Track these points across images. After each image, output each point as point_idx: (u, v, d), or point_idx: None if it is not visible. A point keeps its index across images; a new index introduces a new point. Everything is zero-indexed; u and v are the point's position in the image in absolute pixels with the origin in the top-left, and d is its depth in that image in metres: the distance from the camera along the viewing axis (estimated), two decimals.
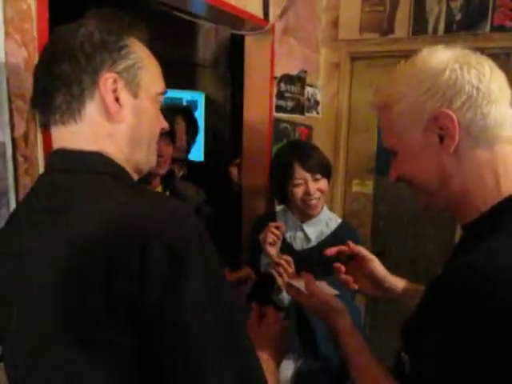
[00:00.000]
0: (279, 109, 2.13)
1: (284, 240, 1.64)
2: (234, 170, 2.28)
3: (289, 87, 2.18)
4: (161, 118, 0.81)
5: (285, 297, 1.53)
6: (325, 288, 1.11)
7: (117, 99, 0.71)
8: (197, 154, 2.75)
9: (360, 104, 2.52)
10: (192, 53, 2.32)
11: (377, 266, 1.12)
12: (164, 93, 0.80)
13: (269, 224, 1.57)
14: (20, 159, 1.00)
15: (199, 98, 2.91)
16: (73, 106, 0.70)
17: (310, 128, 2.43)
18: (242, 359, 0.64)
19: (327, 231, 1.68)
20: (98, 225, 0.62)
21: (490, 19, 2.13)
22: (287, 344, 1.03)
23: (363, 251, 1.13)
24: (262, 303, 1.57)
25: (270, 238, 1.53)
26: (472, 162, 0.75)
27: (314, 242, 1.67)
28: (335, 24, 2.47)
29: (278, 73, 2.08)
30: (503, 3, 2.11)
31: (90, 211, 0.64)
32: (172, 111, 1.90)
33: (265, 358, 0.88)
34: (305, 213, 1.67)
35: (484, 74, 0.75)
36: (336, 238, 1.66)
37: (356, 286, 1.13)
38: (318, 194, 1.61)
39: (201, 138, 2.79)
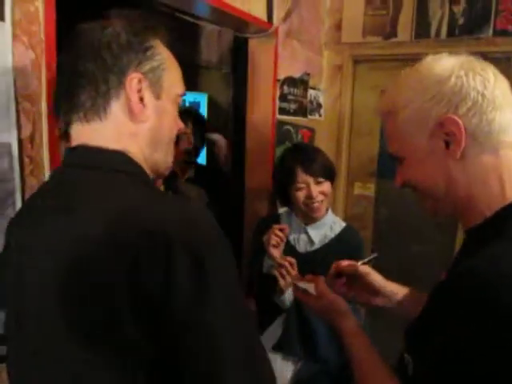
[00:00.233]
0: (282, 111, 2.14)
1: (287, 242, 1.64)
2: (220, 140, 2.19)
3: (292, 90, 2.19)
4: (178, 119, 0.82)
5: (286, 298, 1.53)
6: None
7: (141, 99, 0.72)
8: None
9: (362, 107, 2.53)
10: (195, 54, 2.32)
11: (374, 277, 1.12)
12: (183, 95, 0.80)
13: (273, 226, 1.58)
14: (26, 160, 1.00)
15: (202, 99, 2.92)
16: (98, 103, 0.71)
17: (312, 130, 2.43)
18: (258, 368, 0.64)
19: (331, 235, 1.68)
20: (116, 225, 0.61)
21: (492, 24, 2.14)
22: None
23: (360, 269, 1.13)
24: (263, 304, 1.59)
25: (274, 239, 1.53)
26: (477, 167, 0.76)
27: (317, 245, 1.68)
28: (338, 27, 2.48)
29: (281, 75, 2.09)
30: (506, 8, 2.11)
31: (108, 210, 0.63)
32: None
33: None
34: (309, 216, 1.67)
35: (489, 80, 0.76)
36: (340, 241, 1.67)
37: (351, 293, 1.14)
38: (320, 197, 1.61)
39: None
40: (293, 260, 1.50)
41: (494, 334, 0.63)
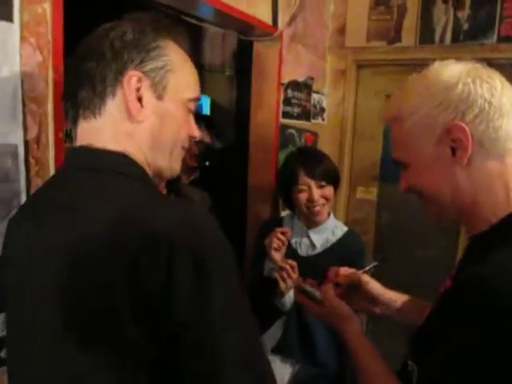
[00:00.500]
0: (286, 115, 2.14)
1: (289, 245, 1.64)
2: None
3: (295, 94, 2.19)
4: (192, 124, 0.80)
5: (287, 301, 1.54)
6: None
7: (140, 99, 0.71)
8: None
9: (365, 111, 2.53)
10: (198, 57, 2.33)
11: (373, 286, 1.12)
12: (197, 99, 0.79)
13: (275, 229, 1.58)
14: (32, 161, 1.00)
15: (205, 102, 2.92)
16: (94, 101, 0.70)
17: (315, 134, 2.43)
18: (258, 368, 0.64)
19: (333, 239, 1.69)
20: (117, 226, 0.61)
21: (496, 30, 2.14)
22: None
23: (361, 278, 1.13)
24: (263, 307, 1.59)
25: (276, 243, 1.54)
26: (483, 174, 0.76)
27: (319, 249, 1.68)
28: (342, 31, 2.48)
29: (286, 79, 2.09)
30: (510, 14, 2.12)
31: (109, 212, 0.63)
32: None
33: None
34: (311, 219, 1.68)
35: (496, 88, 0.76)
36: (342, 246, 1.67)
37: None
38: (322, 201, 1.62)
39: None
40: (294, 263, 1.51)
41: (499, 341, 0.63)
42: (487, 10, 2.15)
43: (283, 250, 1.56)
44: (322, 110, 2.50)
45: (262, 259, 1.61)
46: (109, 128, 0.71)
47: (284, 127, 2.14)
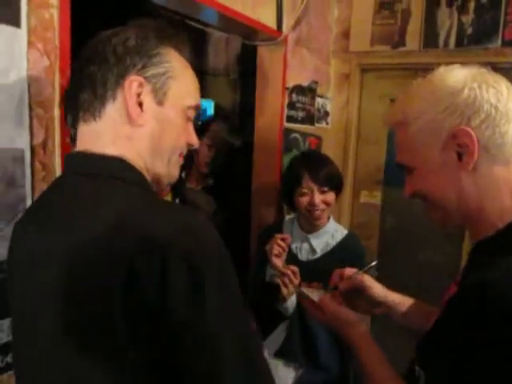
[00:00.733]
0: (290, 119, 2.14)
1: (290, 250, 1.66)
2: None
3: (300, 98, 2.19)
4: (191, 132, 0.80)
5: (289, 305, 1.55)
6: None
7: (140, 104, 0.71)
8: None
9: (369, 115, 2.53)
10: (202, 61, 2.33)
11: (376, 290, 1.12)
12: (197, 107, 0.79)
13: (275, 236, 1.59)
14: (38, 166, 1.01)
15: (209, 105, 2.92)
16: (94, 104, 0.71)
17: (319, 138, 2.44)
18: (257, 368, 0.64)
19: (333, 243, 1.70)
20: (114, 231, 0.61)
21: (501, 34, 2.14)
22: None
23: (365, 283, 1.12)
24: (266, 312, 1.59)
25: (276, 249, 1.55)
26: (489, 179, 0.76)
27: (319, 254, 1.69)
28: (346, 35, 2.48)
29: (290, 83, 2.10)
30: None
31: (106, 217, 0.63)
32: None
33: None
34: (312, 223, 1.69)
35: (502, 93, 0.76)
36: (341, 249, 1.68)
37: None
38: (322, 206, 1.63)
39: None
40: (296, 269, 1.52)
41: (506, 346, 0.63)
42: (491, 15, 2.15)
43: (284, 256, 1.57)
44: (326, 114, 2.51)
45: (263, 265, 1.62)
46: (108, 131, 0.72)
47: (288, 131, 2.15)
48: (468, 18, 2.20)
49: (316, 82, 2.33)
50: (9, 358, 0.97)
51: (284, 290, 1.51)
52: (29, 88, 0.97)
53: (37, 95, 0.98)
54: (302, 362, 1.50)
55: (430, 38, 2.28)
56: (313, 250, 1.69)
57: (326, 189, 1.63)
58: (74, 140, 0.76)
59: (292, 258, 1.65)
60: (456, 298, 0.74)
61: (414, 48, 2.31)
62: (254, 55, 2.06)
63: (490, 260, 0.71)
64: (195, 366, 0.60)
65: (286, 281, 1.50)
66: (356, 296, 1.12)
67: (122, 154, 0.71)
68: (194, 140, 0.81)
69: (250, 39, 1.98)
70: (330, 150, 2.45)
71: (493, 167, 0.76)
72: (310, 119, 2.33)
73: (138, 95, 0.71)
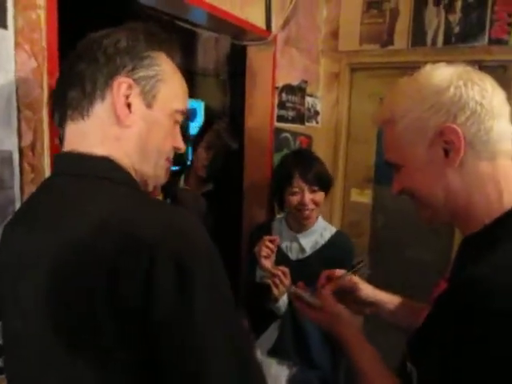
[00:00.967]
0: (280, 118, 2.15)
1: (280, 250, 1.67)
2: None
3: (290, 97, 2.20)
4: (177, 137, 0.80)
5: (281, 305, 1.56)
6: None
7: (128, 105, 0.71)
8: None
9: (359, 114, 2.55)
10: (191, 61, 2.33)
11: (366, 291, 1.13)
12: (184, 111, 0.79)
13: (263, 237, 1.60)
14: (27, 168, 1.00)
15: (199, 106, 2.92)
16: (82, 103, 0.71)
17: (309, 138, 2.44)
18: (247, 369, 0.64)
19: (322, 241, 1.72)
20: (101, 231, 0.62)
21: (487, 32, 2.16)
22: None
23: (356, 285, 1.13)
24: (257, 312, 1.60)
25: (264, 251, 1.56)
26: (475, 176, 0.77)
27: (308, 252, 1.71)
28: (335, 35, 2.50)
29: (280, 83, 2.10)
30: (500, 17, 2.14)
31: (93, 216, 0.63)
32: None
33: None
34: (301, 223, 1.70)
35: (487, 90, 0.77)
36: (331, 247, 1.70)
37: None
38: (312, 206, 1.65)
39: None
40: (286, 269, 1.53)
41: (496, 343, 0.63)
42: (478, 13, 2.17)
43: (272, 257, 1.58)
44: (316, 113, 2.52)
45: (254, 266, 1.63)
46: (96, 131, 0.72)
47: (279, 131, 2.15)
48: (455, 17, 2.23)
49: (306, 82, 2.34)
50: (0, 362, 0.97)
51: (275, 291, 1.52)
52: (17, 90, 0.96)
53: (25, 97, 0.98)
54: (295, 361, 1.50)
55: (418, 36, 2.30)
56: (302, 249, 1.71)
57: (315, 188, 1.64)
58: (62, 141, 0.76)
59: (282, 258, 1.66)
60: (445, 294, 0.75)
61: (403, 47, 2.33)
62: (244, 55, 2.06)
63: (478, 255, 0.72)
64: (183, 365, 0.60)
65: (277, 281, 1.52)
66: (345, 296, 1.12)
67: (109, 154, 0.71)
68: (181, 144, 0.82)
69: (239, 39, 1.98)
70: (320, 149, 2.46)
71: (478, 163, 0.77)
72: (300, 119, 2.34)
73: (127, 97, 0.71)
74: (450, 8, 2.23)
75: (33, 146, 1.01)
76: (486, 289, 0.66)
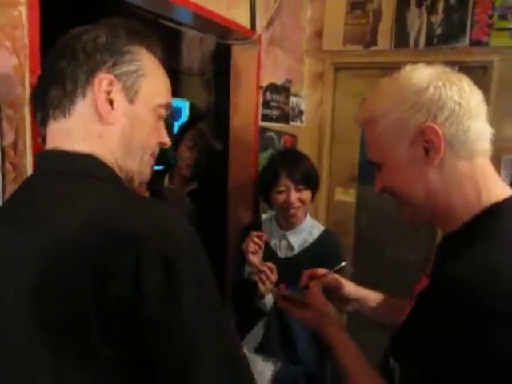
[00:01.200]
0: (265, 118, 2.15)
1: (269, 248, 1.68)
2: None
3: (274, 96, 2.21)
4: (162, 132, 0.80)
5: (267, 302, 1.57)
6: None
7: (110, 101, 0.71)
8: None
9: (343, 114, 2.57)
10: (176, 60, 2.32)
11: (349, 289, 1.14)
12: (167, 106, 0.79)
13: (251, 233, 1.60)
14: (8, 167, 0.99)
15: (183, 105, 2.91)
16: (63, 101, 0.70)
17: (294, 137, 2.46)
18: (236, 366, 0.65)
19: (310, 239, 1.72)
20: (86, 229, 0.61)
21: (468, 34, 2.20)
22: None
23: (339, 284, 1.15)
24: (244, 309, 1.61)
25: (252, 247, 1.57)
26: (454, 175, 0.79)
27: (297, 250, 1.71)
28: (319, 35, 2.51)
29: (264, 82, 2.11)
30: (481, 19, 2.18)
31: (79, 214, 0.63)
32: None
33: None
34: (288, 221, 1.71)
35: (464, 90, 0.79)
36: (319, 245, 1.71)
37: None
38: (298, 204, 1.65)
39: None
40: (272, 266, 1.54)
41: (476, 340, 0.64)
42: (459, 15, 2.21)
43: (260, 253, 1.59)
44: (301, 112, 2.53)
45: (242, 262, 1.64)
46: (79, 129, 0.71)
47: (263, 130, 2.16)
48: (437, 18, 2.26)
49: (290, 81, 2.35)
50: None
51: (261, 287, 1.53)
52: None
53: (6, 95, 0.97)
54: (281, 357, 1.52)
55: (400, 37, 2.33)
56: (291, 247, 1.72)
57: (301, 187, 1.65)
58: (45, 140, 0.75)
59: (271, 256, 1.67)
60: (427, 291, 0.76)
61: (386, 47, 2.36)
62: (228, 54, 2.06)
63: (458, 252, 0.73)
64: (173, 364, 0.60)
65: (263, 277, 1.52)
66: (329, 294, 1.13)
67: (92, 151, 0.71)
68: (166, 139, 0.81)
69: (223, 38, 1.98)
70: (304, 148, 2.47)
71: (457, 163, 0.78)
72: (284, 118, 2.35)
73: (108, 93, 0.71)
74: (432, 9, 2.26)
75: (15, 145, 1.00)
76: (465, 287, 0.67)
